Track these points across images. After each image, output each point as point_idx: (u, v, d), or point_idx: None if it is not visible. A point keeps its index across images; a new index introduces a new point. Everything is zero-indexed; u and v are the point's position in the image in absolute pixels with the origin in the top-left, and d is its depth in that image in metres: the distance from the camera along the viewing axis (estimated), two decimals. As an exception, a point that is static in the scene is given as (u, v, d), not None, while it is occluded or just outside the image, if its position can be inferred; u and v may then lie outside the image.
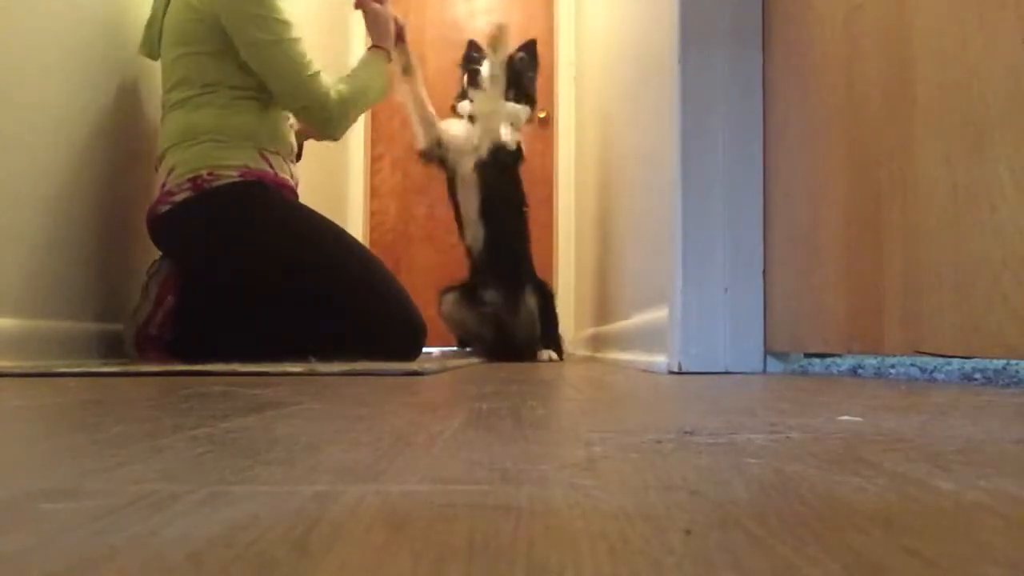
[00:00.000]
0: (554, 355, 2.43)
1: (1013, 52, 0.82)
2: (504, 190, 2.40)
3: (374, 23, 1.94)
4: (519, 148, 2.44)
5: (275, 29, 1.69)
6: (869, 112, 1.12)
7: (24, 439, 0.47)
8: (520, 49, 2.47)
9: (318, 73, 1.75)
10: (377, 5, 1.95)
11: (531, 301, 2.39)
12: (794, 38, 1.35)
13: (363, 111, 1.93)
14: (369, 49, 1.94)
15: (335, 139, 1.90)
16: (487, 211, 2.38)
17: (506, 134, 2.38)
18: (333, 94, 1.77)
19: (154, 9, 1.78)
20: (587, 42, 3.36)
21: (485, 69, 2.33)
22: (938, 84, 0.95)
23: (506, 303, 2.37)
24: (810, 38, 1.29)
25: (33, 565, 0.20)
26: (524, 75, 2.45)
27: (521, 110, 2.45)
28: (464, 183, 2.39)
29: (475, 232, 2.39)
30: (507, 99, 2.39)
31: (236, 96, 1.73)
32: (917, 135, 0.99)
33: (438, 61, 4.03)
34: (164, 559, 0.20)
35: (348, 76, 1.85)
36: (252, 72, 1.72)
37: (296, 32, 1.74)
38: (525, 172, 4.06)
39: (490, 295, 2.37)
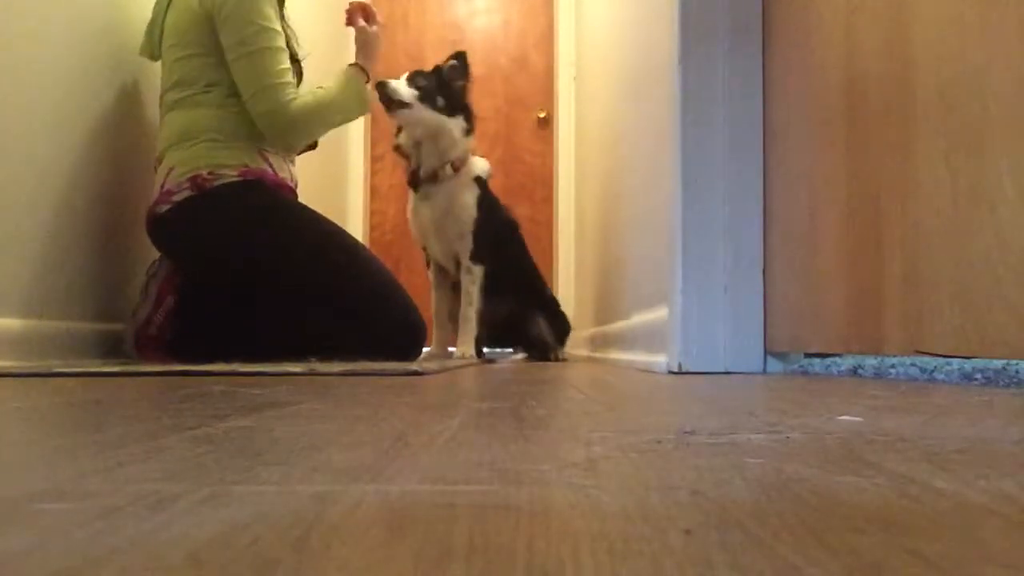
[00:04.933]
0: (561, 353, 2.45)
1: (1013, 52, 0.82)
2: (495, 237, 2.22)
3: (363, 44, 1.91)
4: (483, 191, 2.23)
5: (264, 36, 1.69)
6: (869, 112, 1.12)
7: (24, 439, 0.47)
8: (451, 59, 2.24)
9: (285, 83, 1.72)
10: (369, 27, 1.91)
11: (541, 324, 2.39)
12: (794, 38, 1.35)
13: (331, 125, 1.84)
14: (349, 66, 1.88)
15: (291, 149, 1.84)
16: (485, 264, 2.21)
17: (470, 200, 2.17)
18: (294, 105, 1.73)
19: (155, 11, 1.79)
20: (587, 42, 3.36)
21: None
22: (938, 84, 0.95)
23: (517, 307, 2.34)
24: (810, 38, 1.29)
25: (33, 565, 0.20)
26: (455, 82, 2.20)
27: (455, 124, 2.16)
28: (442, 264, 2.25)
29: (473, 272, 2.24)
30: (438, 110, 2.15)
31: (235, 94, 1.73)
32: (917, 135, 0.99)
33: (438, 61, 4.03)
34: (164, 559, 0.20)
35: (318, 89, 1.81)
36: None
37: (279, 41, 1.72)
38: (525, 172, 4.09)
39: (499, 300, 2.33)
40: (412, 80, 2.15)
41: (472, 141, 2.23)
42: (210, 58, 1.72)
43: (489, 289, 2.22)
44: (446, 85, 2.18)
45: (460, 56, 2.23)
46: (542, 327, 2.38)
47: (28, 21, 1.46)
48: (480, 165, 2.27)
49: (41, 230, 1.50)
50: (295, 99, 1.73)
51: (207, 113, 1.71)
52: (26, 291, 1.46)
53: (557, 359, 2.39)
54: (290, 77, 1.74)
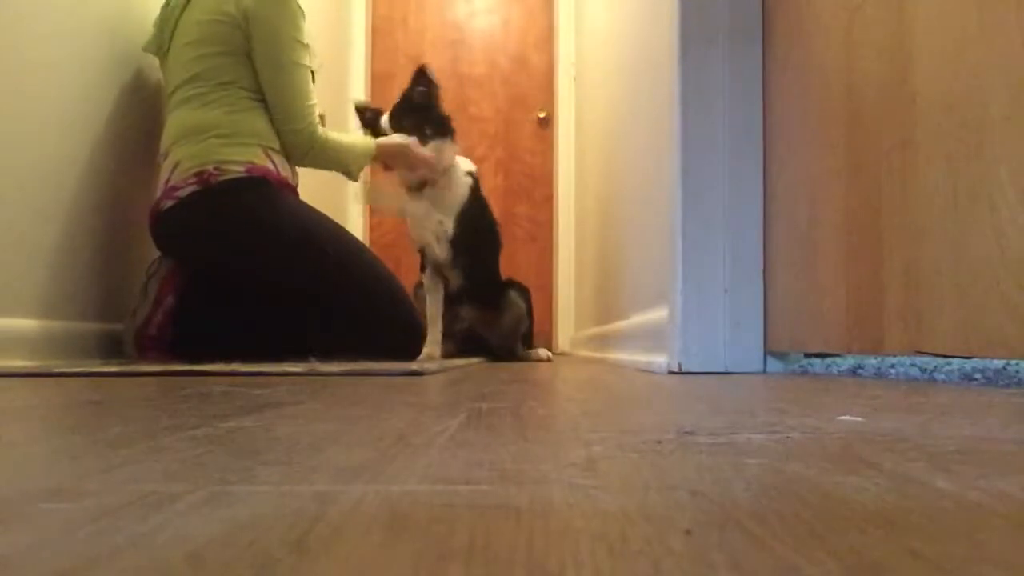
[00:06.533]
0: (549, 353, 2.42)
1: (1013, 52, 0.82)
2: (479, 233, 2.27)
3: (398, 154, 2.08)
4: (475, 183, 2.28)
5: (300, 52, 1.77)
6: (869, 112, 1.12)
7: (24, 439, 0.47)
8: (415, 83, 2.23)
9: (315, 105, 1.83)
10: (417, 152, 2.08)
11: (519, 301, 2.37)
12: (794, 38, 1.35)
13: (331, 167, 1.92)
14: (374, 143, 2.03)
15: (297, 165, 1.90)
16: (465, 262, 2.25)
17: (462, 192, 2.22)
18: (320, 132, 1.83)
19: (170, 7, 1.79)
20: (587, 42, 3.36)
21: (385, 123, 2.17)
22: (938, 84, 0.95)
23: (484, 314, 2.34)
24: (810, 38, 1.29)
25: (33, 565, 0.20)
26: (431, 106, 2.21)
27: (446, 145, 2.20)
28: (437, 260, 2.26)
29: (453, 275, 2.27)
30: (425, 135, 2.17)
31: (247, 96, 1.75)
32: (917, 135, 0.99)
33: (438, 61, 4.03)
34: (164, 559, 0.20)
35: (342, 133, 1.94)
36: None
37: (308, 59, 1.81)
38: (525, 172, 4.09)
39: (466, 311, 2.33)
40: (395, 120, 2.16)
41: (457, 147, 2.27)
42: (231, 58, 1.74)
43: (467, 294, 2.25)
44: (424, 110, 2.18)
45: (422, 75, 2.21)
46: (507, 324, 2.37)
47: (32, 21, 1.46)
48: (465, 165, 2.30)
49: (41, 231, 1.50)
50: (319, 126, 1.84)
51: (219, 110, 1.72)
52: (27, 291, 1.46)
53: (527, 359, 2.35)
54: (316, 98, 1.85)
